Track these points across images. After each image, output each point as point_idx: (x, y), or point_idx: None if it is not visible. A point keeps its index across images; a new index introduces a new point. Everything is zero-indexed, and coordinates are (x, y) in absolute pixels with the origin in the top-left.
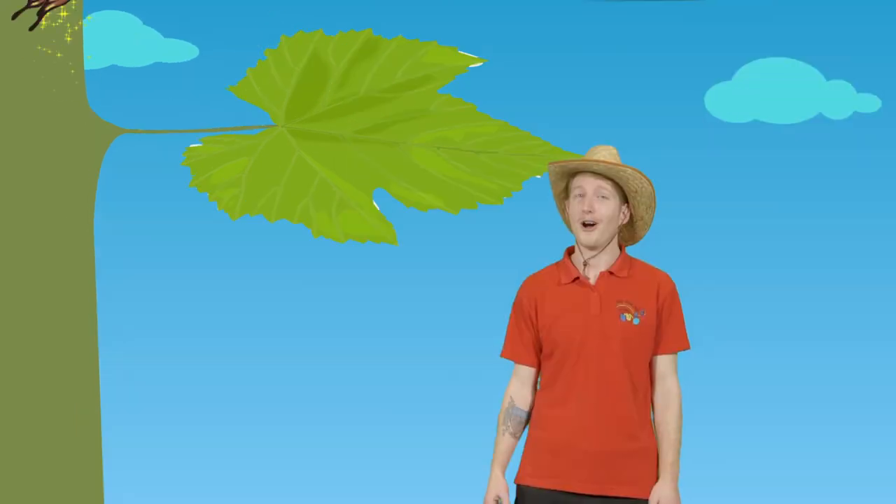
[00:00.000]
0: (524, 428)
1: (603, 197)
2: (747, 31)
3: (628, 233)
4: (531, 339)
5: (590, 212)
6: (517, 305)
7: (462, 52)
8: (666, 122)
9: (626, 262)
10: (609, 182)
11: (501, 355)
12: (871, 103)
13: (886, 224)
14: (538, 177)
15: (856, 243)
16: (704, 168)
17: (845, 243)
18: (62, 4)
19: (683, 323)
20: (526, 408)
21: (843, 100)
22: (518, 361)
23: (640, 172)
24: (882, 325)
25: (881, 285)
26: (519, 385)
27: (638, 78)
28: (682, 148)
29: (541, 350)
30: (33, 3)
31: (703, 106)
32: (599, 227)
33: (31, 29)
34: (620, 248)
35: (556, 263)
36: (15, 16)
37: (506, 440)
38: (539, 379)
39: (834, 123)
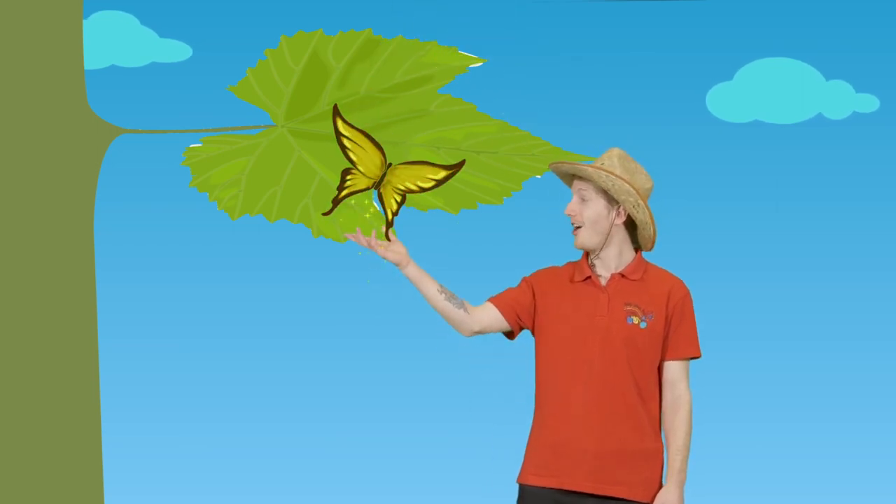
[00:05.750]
0: (448, 303)
1: (583, 199)
2: (747, 30)
3: (638, 236)
4: (518, 301)
5: (570, 215)
6: (530, 276)
7: (462, 52)
8: (667, 121)
9: (639, 265)
10: (590, 183)
11: (488, 299)
12: (869, 103)
13: (886, 224)
14: (538, 177)
15: (857, 244)
16: (706, 167)
17: (847, 244)
18: (360, 192)
19: (695, 330)
20: (462, 306)
21: (842, 100)
22: (494, 304)
23: (606, 170)
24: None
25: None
26: (474, 307)
27: (639, 78)
28: (684, 148)
29: (519, 318)
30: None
31: (705, 106)
32: (583, 230)
33: (326, 214)
34: (636, 251)
35: (575, 262)
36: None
37: (436, 283)
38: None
39: (833, 123)
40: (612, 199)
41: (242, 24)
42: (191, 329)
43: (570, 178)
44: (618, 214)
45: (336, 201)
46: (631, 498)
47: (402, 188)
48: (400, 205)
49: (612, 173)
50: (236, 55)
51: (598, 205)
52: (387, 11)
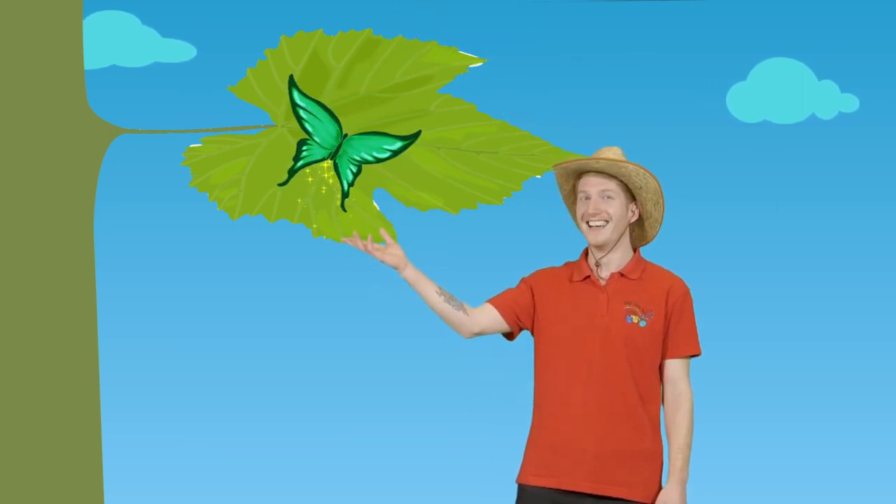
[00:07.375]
0: (447, 305)
1: (608, 197)
2: (760, 30)
3: (640, 232)
4: (517, 302)
5: (595, 214)
6: (529, 276)
7: (462, 52)
8: (670, 121)
9: (638, 263)
10: (613, 181)
11: (486, 300)
12: (851, 103)
13: (877, 224)
14: (538, 177)
15: (854, 244)
16: (720, 168)
17: (844, 244)
18: (316, 162)
19: (695, 328)
20: (461, 308)
21: (830, 100)
22: (493, 305)
23: (643, 168)
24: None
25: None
26: (473, 308)
27: (638, 78)
28: (685, 148)
29: (518, 319)
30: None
31: (725, 106)
32: (608, 226)
33: (282, 185)
34: (634, 249)
35: (574, 262)
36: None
37: (435, 285)
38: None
39: (823, 123)
40: (630, 197)
41: (246, 24)
42: (191, 329)
43: (575, 176)
44: (632, 212)
45: (292, 171)
46: (631, 498)
47: (359, 159)
48: (356, 175)
49: (647, 171)
50: (241, 55)
51: (621, 202)
52: (387, 11)
